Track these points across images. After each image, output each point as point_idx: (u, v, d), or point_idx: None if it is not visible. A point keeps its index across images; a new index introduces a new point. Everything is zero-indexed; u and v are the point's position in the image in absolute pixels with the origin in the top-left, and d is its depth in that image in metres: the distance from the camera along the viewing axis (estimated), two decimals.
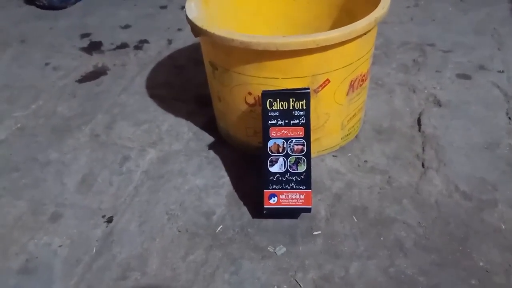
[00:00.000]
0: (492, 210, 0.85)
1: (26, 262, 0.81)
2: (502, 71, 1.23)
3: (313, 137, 0.87)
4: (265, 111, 0.85)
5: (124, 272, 0.78)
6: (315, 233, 0.83)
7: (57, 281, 0.78)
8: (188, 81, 1.30)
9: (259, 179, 0.87)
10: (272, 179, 0.84)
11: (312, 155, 0.87)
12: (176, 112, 1.16)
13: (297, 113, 0.84)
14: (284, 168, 0.84)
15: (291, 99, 0.84)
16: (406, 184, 0.91)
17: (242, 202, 0.90)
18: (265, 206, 0.84)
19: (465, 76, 1.23)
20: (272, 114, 0.85)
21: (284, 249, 0.80)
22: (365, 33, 0.83)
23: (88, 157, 1.04)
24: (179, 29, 1.59)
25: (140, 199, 0.92)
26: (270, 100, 0.84)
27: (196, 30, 0.87)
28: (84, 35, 1.59)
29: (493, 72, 1.23)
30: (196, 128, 1.11)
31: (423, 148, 1.00)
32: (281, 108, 0.84)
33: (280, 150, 0.85)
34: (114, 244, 0.83)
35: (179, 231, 0.85)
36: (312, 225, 0.84)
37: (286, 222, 0.85)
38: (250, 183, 0.93)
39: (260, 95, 0.86)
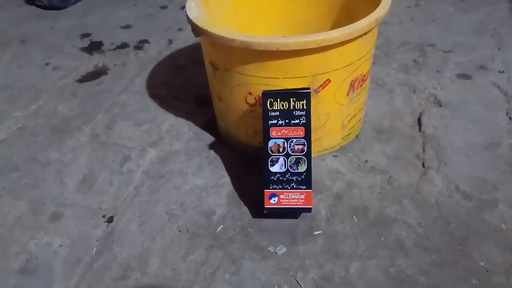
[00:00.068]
0: (493, 210, 0.85)
1: (26, 262, 0.81)
2: (503, 71, 1.23)
3: (313, 137, 0.87)
4: (265, 111, 0.85)
5: (124, 272, 0.78)
6: (316, 233, 0.83)
7: (57, 281, 0.78)
8: (189, 81, 1.30)
9: (260, 179, 0.87)
10: (273, 179, 0.84)
11: (313, 155, 0.87)
12: (177, 112, 1.16)
13: (298, 113, 0.84)
14: (285, 168, 0.84)
15: (291, 99, 0.84)
16: (407, 184, 0.91)
17: (242, 202, 0.90)
18: (265, 206, 0.84)
19: (466, 76, 1.23)
20: (273, 114, 0.84)
21: (285, 249, 0.80)
22: (365, 33, 0.83)
23: (88, 157, 1.04)
24: (179, 29, 1.59)
25: (140, 199, 0.92)
26: (270, 100, 0.84)
27: (197, 30, 0.87)
28: (84, 35, 1.59)
29: (493, 72, 1.23)
30: (196, 128, 1.11)
31: (423, 148, 1.00)
32: (282, 108, 0.84)
33: (281, 150, 0.85)
34: (115, 244, 0.83)
35: (179, 231, 0.85)
36: (313, 225, 0.84)
37: (286, 222, 0.85)
38: (251, 183, 0.93)
39: (260, 95, 0.86)
